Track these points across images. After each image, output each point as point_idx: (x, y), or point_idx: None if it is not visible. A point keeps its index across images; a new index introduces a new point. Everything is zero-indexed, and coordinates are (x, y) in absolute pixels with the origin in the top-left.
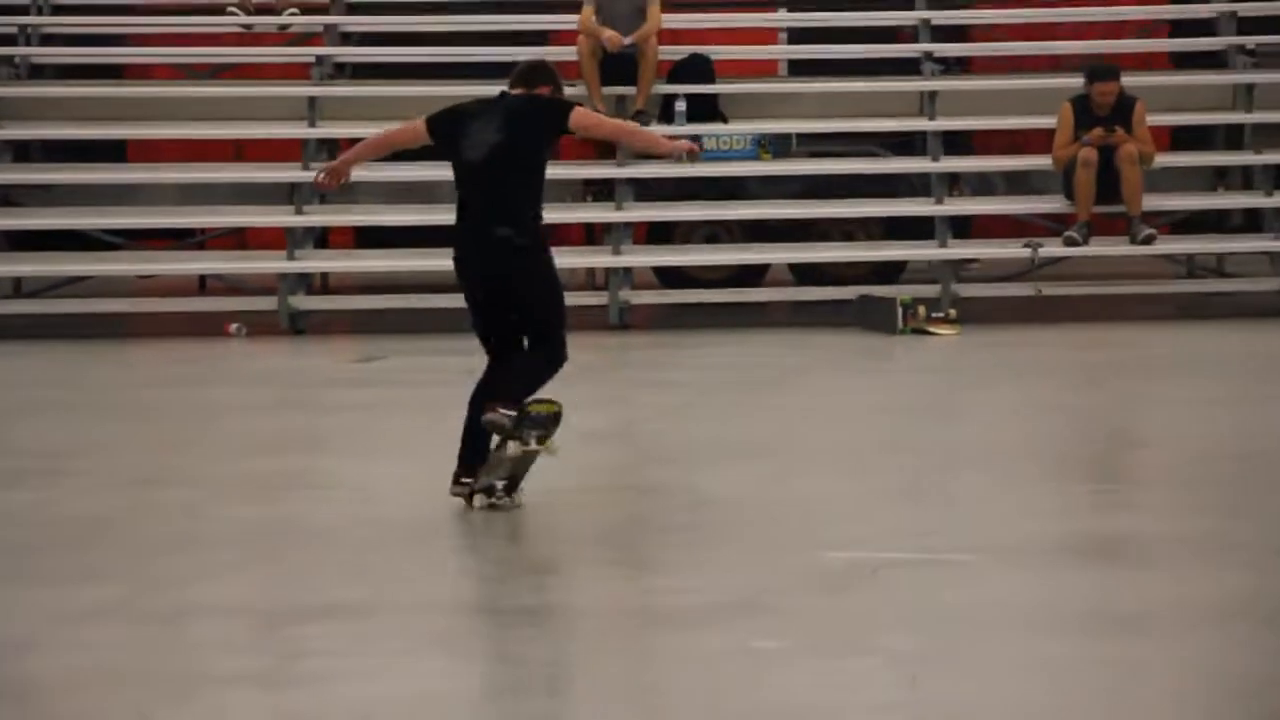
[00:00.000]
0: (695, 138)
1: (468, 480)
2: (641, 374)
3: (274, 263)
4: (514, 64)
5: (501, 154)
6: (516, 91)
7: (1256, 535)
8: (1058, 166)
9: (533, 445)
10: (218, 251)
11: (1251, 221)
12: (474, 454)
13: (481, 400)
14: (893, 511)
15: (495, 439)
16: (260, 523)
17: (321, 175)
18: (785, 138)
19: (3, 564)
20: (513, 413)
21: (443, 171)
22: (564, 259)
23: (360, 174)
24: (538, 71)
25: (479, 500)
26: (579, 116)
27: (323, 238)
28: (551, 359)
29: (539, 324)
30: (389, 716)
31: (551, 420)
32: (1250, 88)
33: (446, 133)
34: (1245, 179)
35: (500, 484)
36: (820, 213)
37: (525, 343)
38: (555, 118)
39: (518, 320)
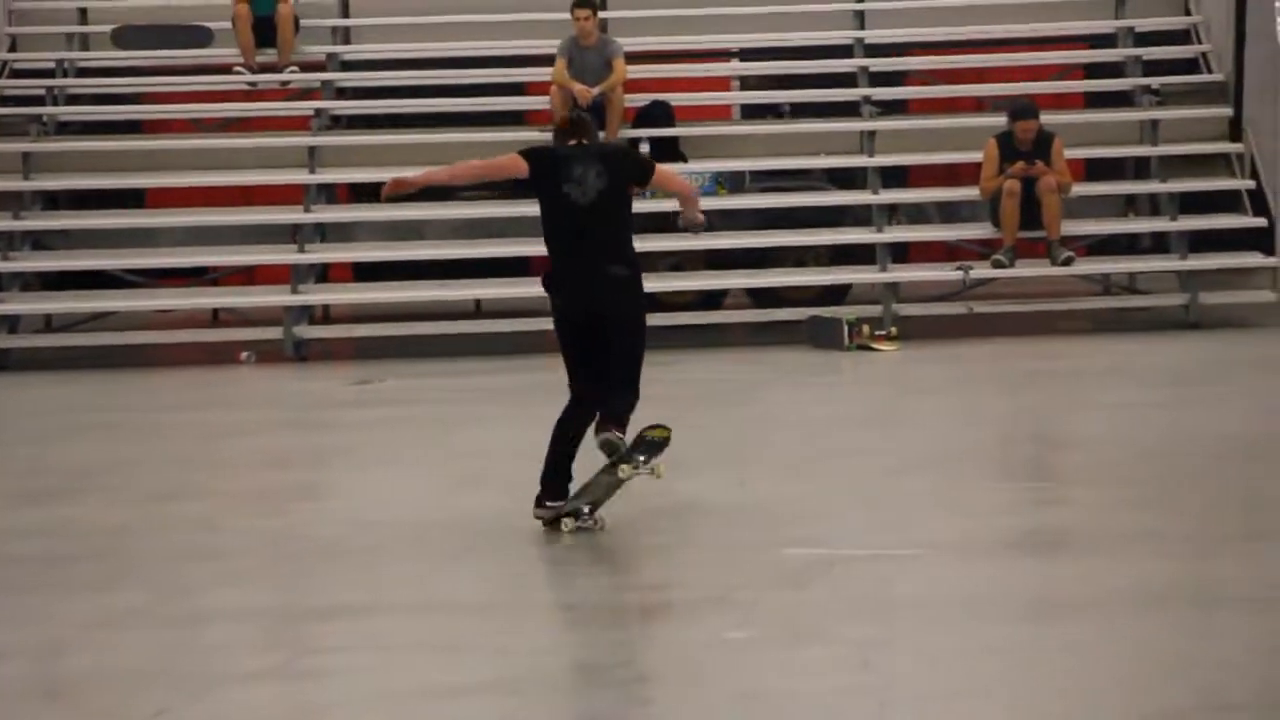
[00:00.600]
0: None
1: (554, 504)
2: None
3: (279, 296)
4: (492, 113)
5: (608, 199)
6: (576, 142)
7: (1180, 527)
8: (985, 196)
9: (643, 469)
10: (228, 287)
11: (1159, 243)
12: (560, 479)
13: (575, 425)
14: (847, 511)
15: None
16: (270, 532)
17: (391, 184)
18: (740, 175)
19: (37, 573)
20: (623, 434)
21: (429, 211)
22: (541, 288)
23: (356, 215)
24: (588, 126)
25: (567, 524)
26: (659, 173)
27: (323, 273)
28: (637, 386)
29: (631, 355)
30: (392, 707)
31: (663, 445)
32: (1155, 123)
33: (548, 171)
34: (1153, 205)
35: (587, 508)
36: (773, 242)
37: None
38: (642, 171)
39: (617, 350)
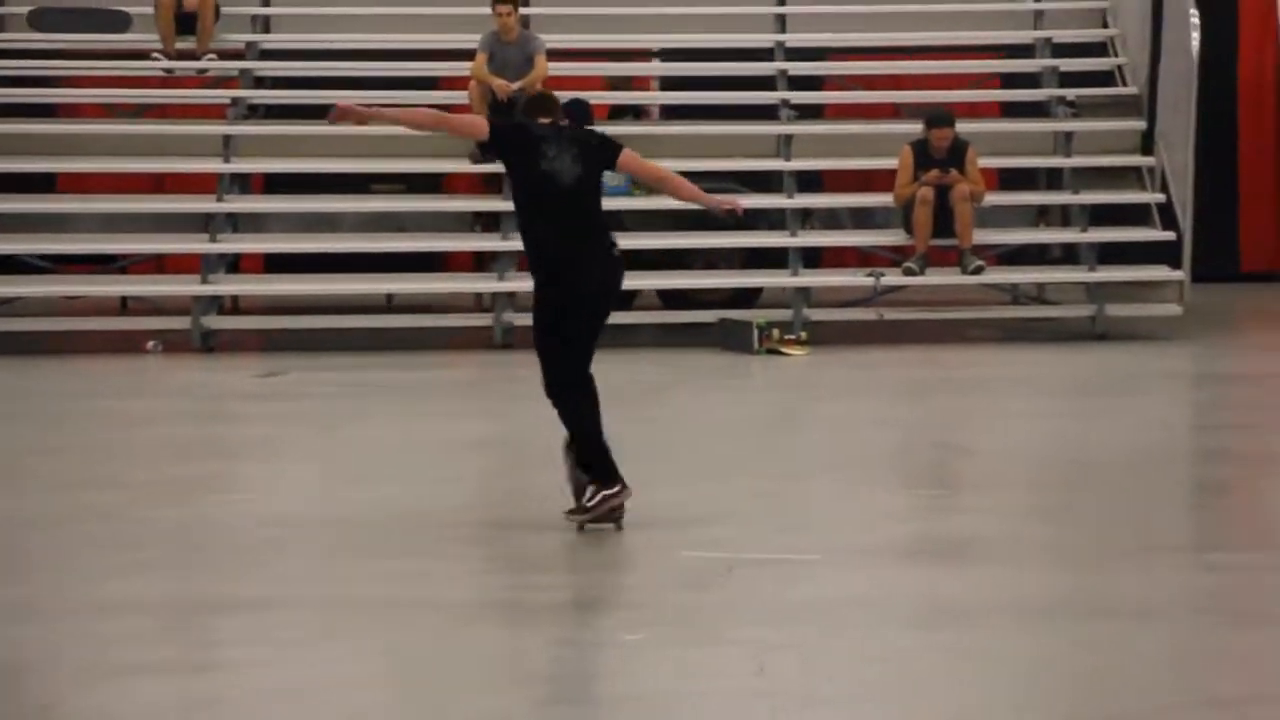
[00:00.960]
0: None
1: (620, 489)
2: (523, 388)
3: (189, 286)
4: (411, 104)
5: (587, 183)
6: (549, 121)
7: (1081, 536)
8: (898, 204)
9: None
10: (138, 275)
11: (1069, 254)
12: (612, 463)
13: (595, 406)
14: (748, 515)
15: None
16: (173, 523)
17: (339, 110)
18: None
19: None
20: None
21: (344, 204)
22: (454, 284)
23: (269, 206)
24: (558, 104)
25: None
26: (625, 157)
27: (234, 263)
28: None
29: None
30: (286, 702)
31: None
32: (1069, 135)
33: (517, 144)
34: (1064, 216)
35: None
36: (686, 244)
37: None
38: (610, 155)
39: (592, 335)
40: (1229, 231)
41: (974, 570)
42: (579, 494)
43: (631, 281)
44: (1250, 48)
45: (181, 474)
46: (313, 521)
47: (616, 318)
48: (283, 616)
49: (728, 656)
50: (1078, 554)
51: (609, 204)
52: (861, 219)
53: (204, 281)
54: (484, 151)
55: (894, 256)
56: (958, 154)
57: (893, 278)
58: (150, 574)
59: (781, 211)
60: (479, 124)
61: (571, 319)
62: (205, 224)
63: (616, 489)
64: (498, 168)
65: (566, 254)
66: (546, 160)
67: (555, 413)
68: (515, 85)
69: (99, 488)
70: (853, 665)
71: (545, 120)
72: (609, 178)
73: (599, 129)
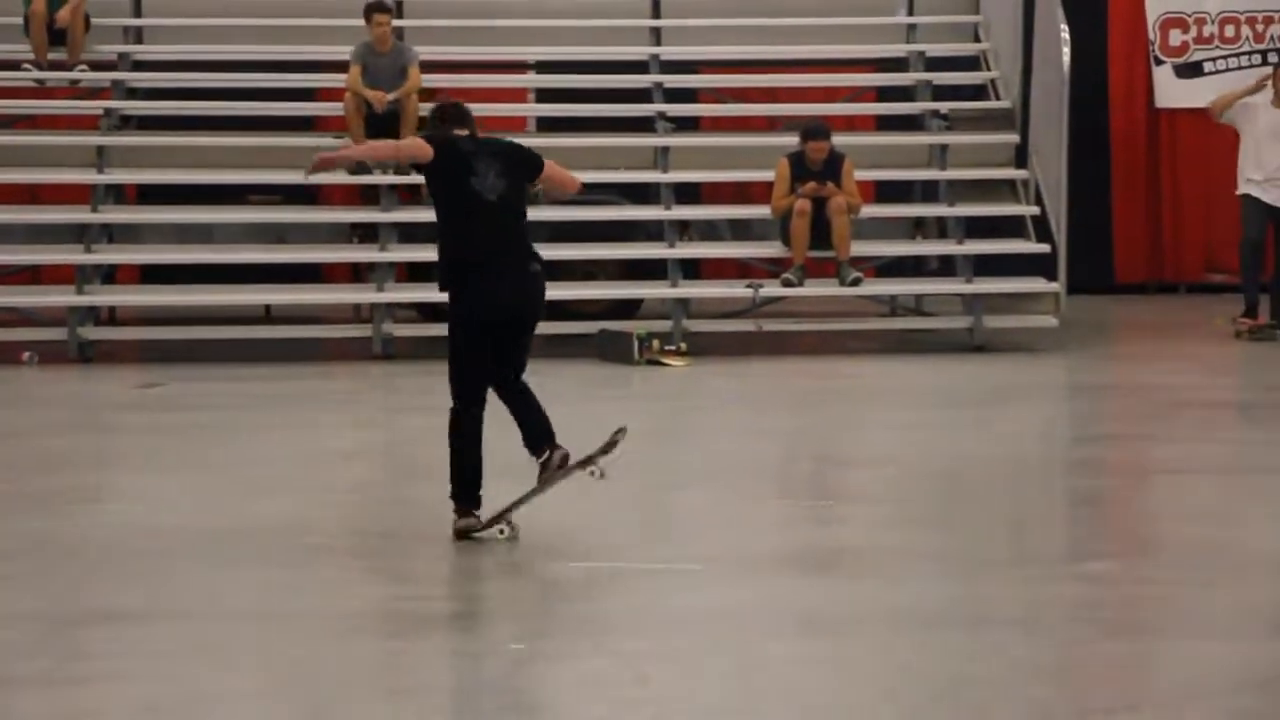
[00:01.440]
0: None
1: (477, 512)
2: (402, 399)
3: (65, 297)
4: (285, 118)
5: (512, 197)
6: (465, 133)
7: (957, 546)
8: (776, 215)
9: (598, 472)
10: (13, 286)
11: (946, 266)
12: (478, 487)
13: (478, 430)
14: (628, 525)
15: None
16: (47, 535)
17: (320, 160)
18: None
19: None
20: (564, 450)
21: (221, 215)
22: (332, 295)
23: (144, 216)
24: (471, 114)
25: (506, 531)
26: (548, 169)
27: (110, 274)
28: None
29: (527, 351)
30: (164, 715)
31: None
32: (944, 148)
33: (453, 165)
34: (940, 228)
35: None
36: (565, 255)
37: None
38: (534, 168)
39: (523, 350)
40: (1103, 243)
41: (852, 580)
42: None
43: None
44: (1120, 61)
45: (55, 485)
46: (190, 533)
47: None
48: (160, 629)
49: (610, 666)
50: (954, 564)
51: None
52: (740, 231)
53: (80, 292)
54: (417, 170)
55: (772, 268)
56: (834, 166)
57: (771, 289)
58: (23, 586)
59: (660, 223)
60: (422, 147)
61: (483, 338)
62: (80, 235)
63: (474, 512)
64: (374, 179)
65: (494, 271)
66: (475, 175)
67: (431, 424)
68: (390, 96)
69: None
70: (733, 675)
71: (463, 133)
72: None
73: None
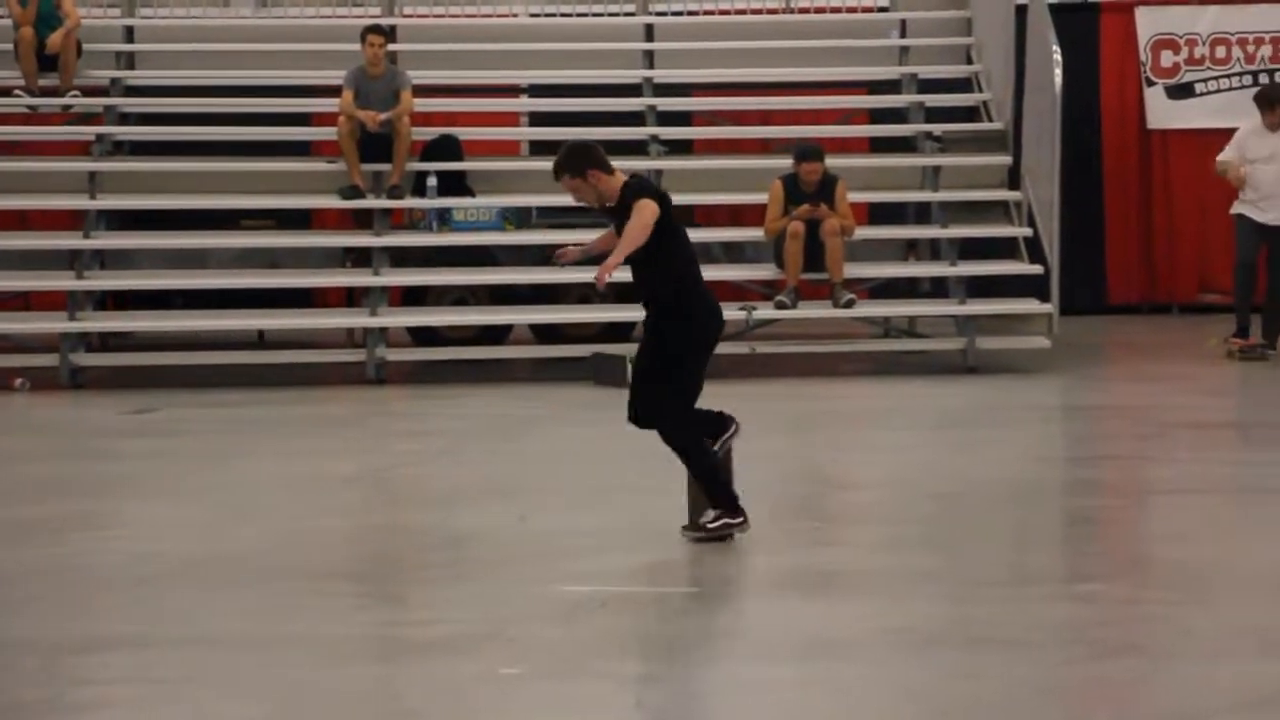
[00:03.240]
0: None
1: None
2: (396, 424)
3: (56, 323)
4: (279, 143)
5: None
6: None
7: (954, 567)
8: (769, 237)
9: None
10: (4, 312)
11: (939, 288)
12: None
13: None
14: (624, 548)
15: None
16: (43, 561)
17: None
18: (526, 210)
19: None
20: None
21: (214, 240)
22: (325, 319)
23: (137, 242)
24: None
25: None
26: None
27: (102, 300)
28: None
29: None
30: None
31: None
32: (937, 169)
33: (669, 207)
34: (933, 250)
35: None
36: (558, 278)
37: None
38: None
39: None
40: (1096, 264)
41: (848, 602)
42: (696, 511)
43: (504, 316)
44: (1112, 82)
45: (47, 511)
46: (183, 559)
47: (488, 352)
48: (157, 655)
49: (605, 690)
50: (951, 585)
51: (480, 238)
52: (733, 253)
53: (71, 319)
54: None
55: (766, 291)
56: (828, 188)
57: (765, 312)
58: (23, 613)
59: None
60: (653, 210)
61: (709, 352)
62: (71, 261)
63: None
64: (368, 203)
65: (712, 298)
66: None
67: (425, 449)
68: (383, 116)
69: None
70: (729, 697)
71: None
72: (480, 212)
73: (466, 166)
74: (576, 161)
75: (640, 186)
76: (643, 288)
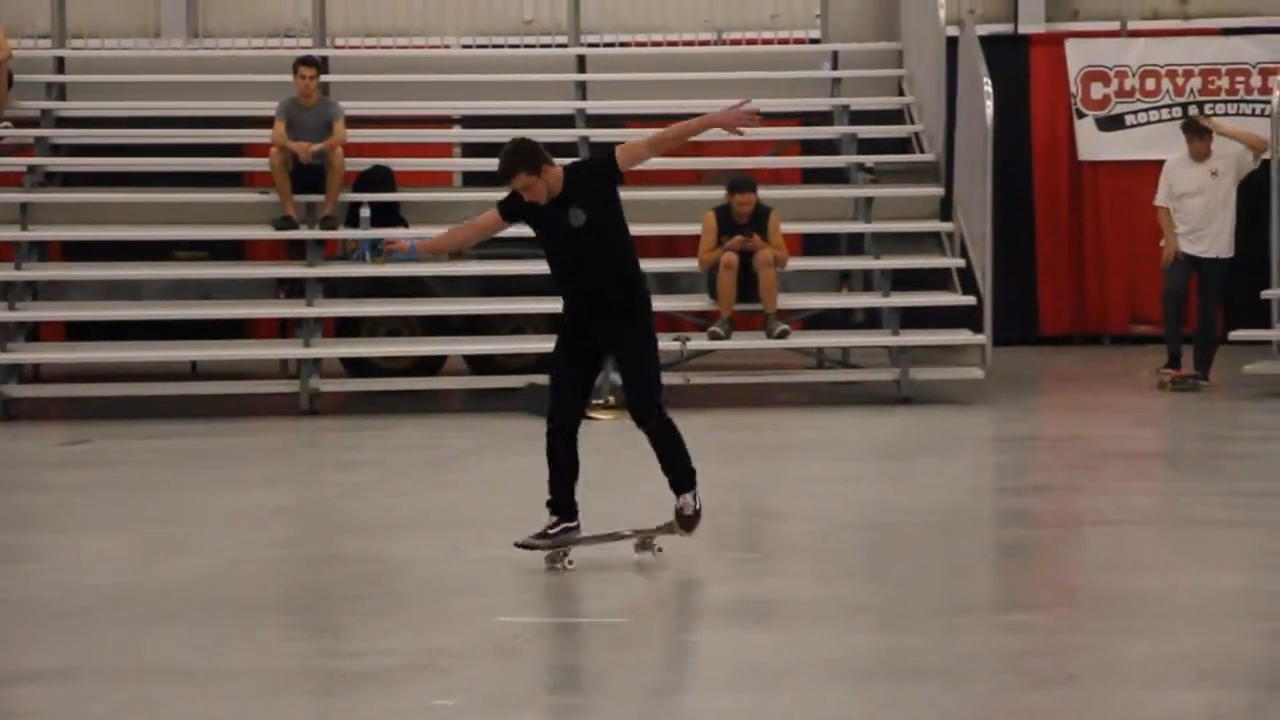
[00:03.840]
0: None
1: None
2: (330, 455)
3: None
4: (211, 174)
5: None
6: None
7: (886, 597)
8: (703, 269)
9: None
10: None
11: (872, 319)
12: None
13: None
14: (557, 578)
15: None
16: None
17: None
18: None
19: None
20: None
21: (147, 271)
22: (259, 350)
23: (69, 274)
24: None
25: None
26: None
27: (34, 331)
28: None
29: None
30: None
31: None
32: (869, 200)
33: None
34: (866, 281)
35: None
36: (492, 309)
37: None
38: None
39: None
40: (1028, 295)
41: (783, 632)
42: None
43: (438, 346)
44: (1043, 114)
45: None
46: (114, 591)
47: (422, 383)
48: (89, 687)
49: None
50: (884, 615)
51: (414, 269)
52: (667, 284)
53: (3, 350)
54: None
55: (700, 321)
56: (761, 219)
57: (698, 342)
58: None
59: None
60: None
61: None
62: (3, 293)
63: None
64: (301, 234)
65: None
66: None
67: (358, 480)
68: (316, 147)
69: None
70: None
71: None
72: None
73: (399, 197)
74: (532, 159)
75: (595, 157)
76: (589, 275)
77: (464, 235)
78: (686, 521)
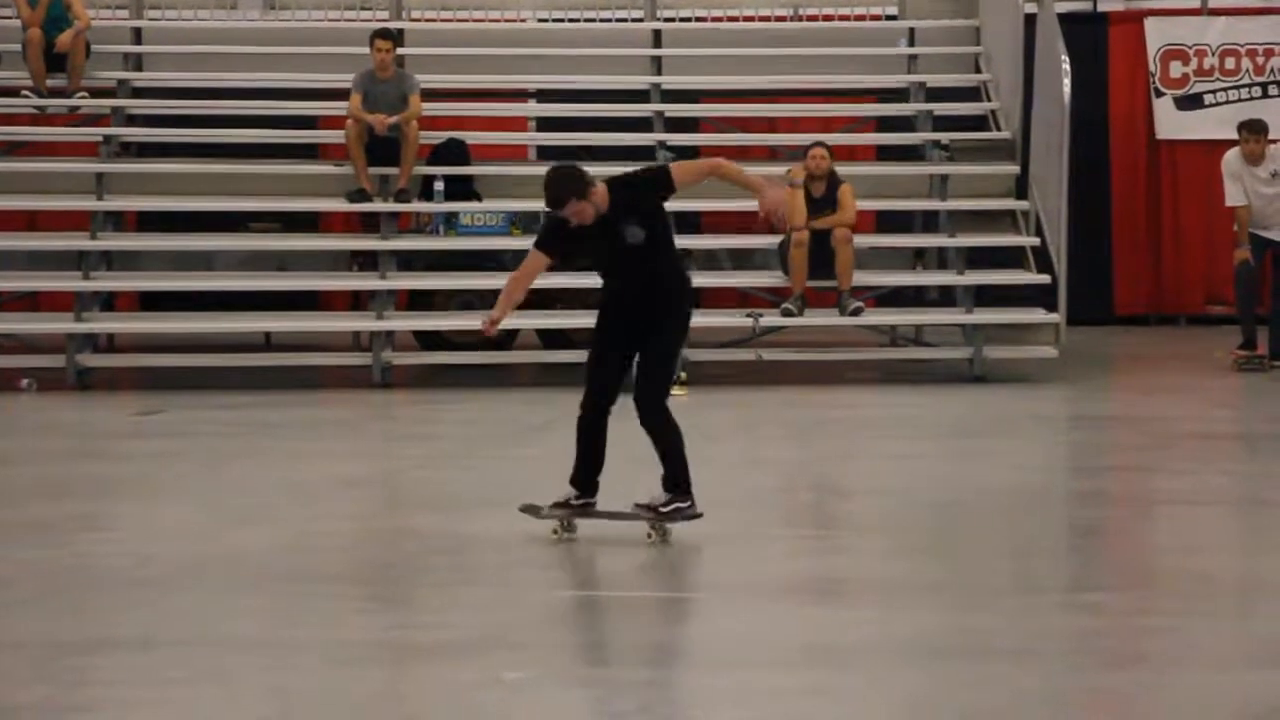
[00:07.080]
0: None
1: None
2: (402, 428)
3: (63, 324)
4: (286, 145)
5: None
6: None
7: (959, 577)
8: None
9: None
10: (11, 313)
11: (946, 296)
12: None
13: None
14: (626, 553)
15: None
16: (47, 562)
17: (490, 322)
18: (534, 215)
19: None
20: None
21: (221, 242)
22: (332, 323)
23: (144, 244)
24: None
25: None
26: None
27: (109, 301)
28: None
29: None
30: None
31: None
32: (945, 178)
33: None
34: (940, 259)
35: None
36: (563, 284)
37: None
38: None
39: None
40: (1103, 274)
41: (853, 610)
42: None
43: (510, 321)
44: (1121, 93)
45: (56, 512)
46: (188, 561)
47: (494, 357)
48: (164, 656)
49: (608, 696)
50: (956, 594)
51: (487, 243)
52: (740, 260)
53: (78, 319)
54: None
55: (772, 298)
56: (832, 190)
57: (771, 319)
58: (24, 614)
59: None
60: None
61: None
62: (78, 262)
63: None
64: (375, 207)
65: None
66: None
67: (430, 453)
68: (391, 120)
69: None
70: (735, 703)
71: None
72: (487, 216)
73: (474, 171)
74: (579, 184)
75: (636, 171)
76: (637, 278)
77: (520, 291)
78: (661, 515)
